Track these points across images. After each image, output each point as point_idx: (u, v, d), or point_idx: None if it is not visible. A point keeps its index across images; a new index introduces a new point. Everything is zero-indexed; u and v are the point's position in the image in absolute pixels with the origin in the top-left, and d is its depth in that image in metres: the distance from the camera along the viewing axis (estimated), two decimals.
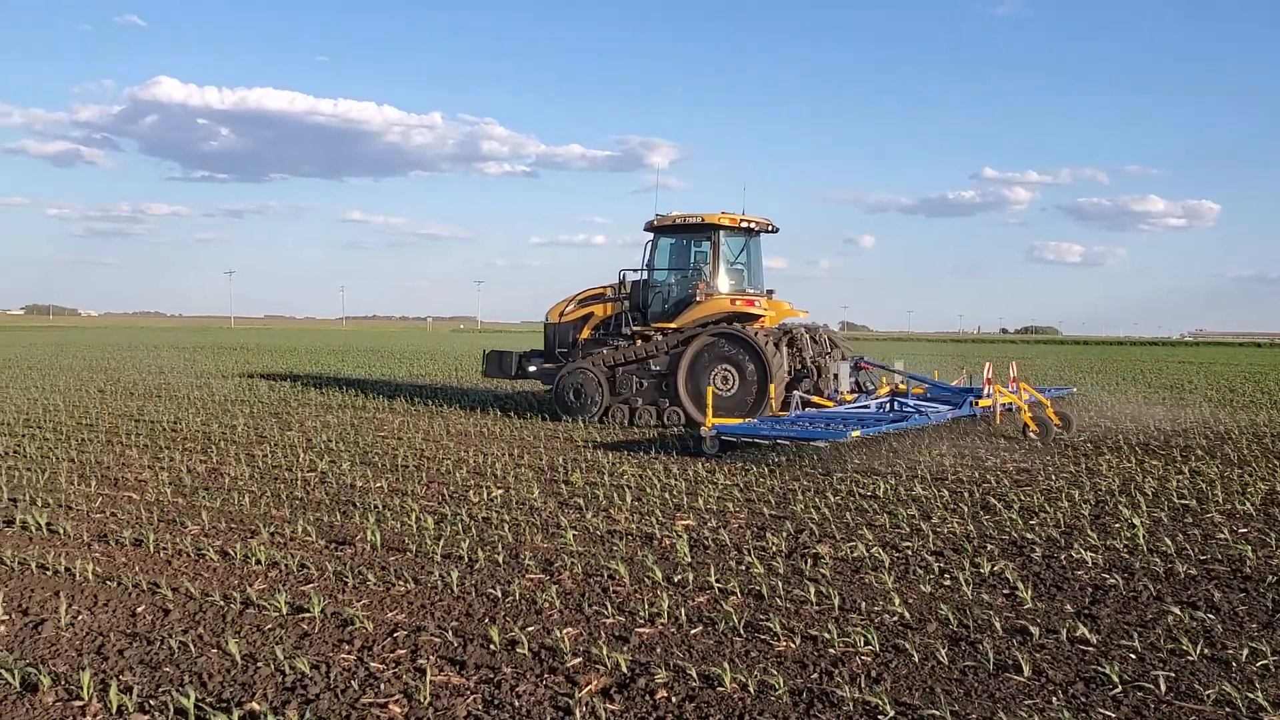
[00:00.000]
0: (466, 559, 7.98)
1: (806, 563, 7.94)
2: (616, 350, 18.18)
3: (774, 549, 8.38)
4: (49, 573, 7.51)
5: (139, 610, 6.58)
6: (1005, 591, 7.20)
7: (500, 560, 7.94)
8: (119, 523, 9.22)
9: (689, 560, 7.98)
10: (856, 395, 17.21)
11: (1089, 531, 9.09)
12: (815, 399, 16.65)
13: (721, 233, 18.10)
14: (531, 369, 19.62)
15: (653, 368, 17.76)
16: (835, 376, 17.13)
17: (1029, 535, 8.96)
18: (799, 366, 17.53)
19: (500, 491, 10.87)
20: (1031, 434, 15.52)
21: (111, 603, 6.76)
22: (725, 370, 17.04)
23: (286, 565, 7.70)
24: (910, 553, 8.32)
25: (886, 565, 7.84)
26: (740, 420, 15.20)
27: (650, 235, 18.71)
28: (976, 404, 15.92)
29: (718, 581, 7.29)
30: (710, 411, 14.60)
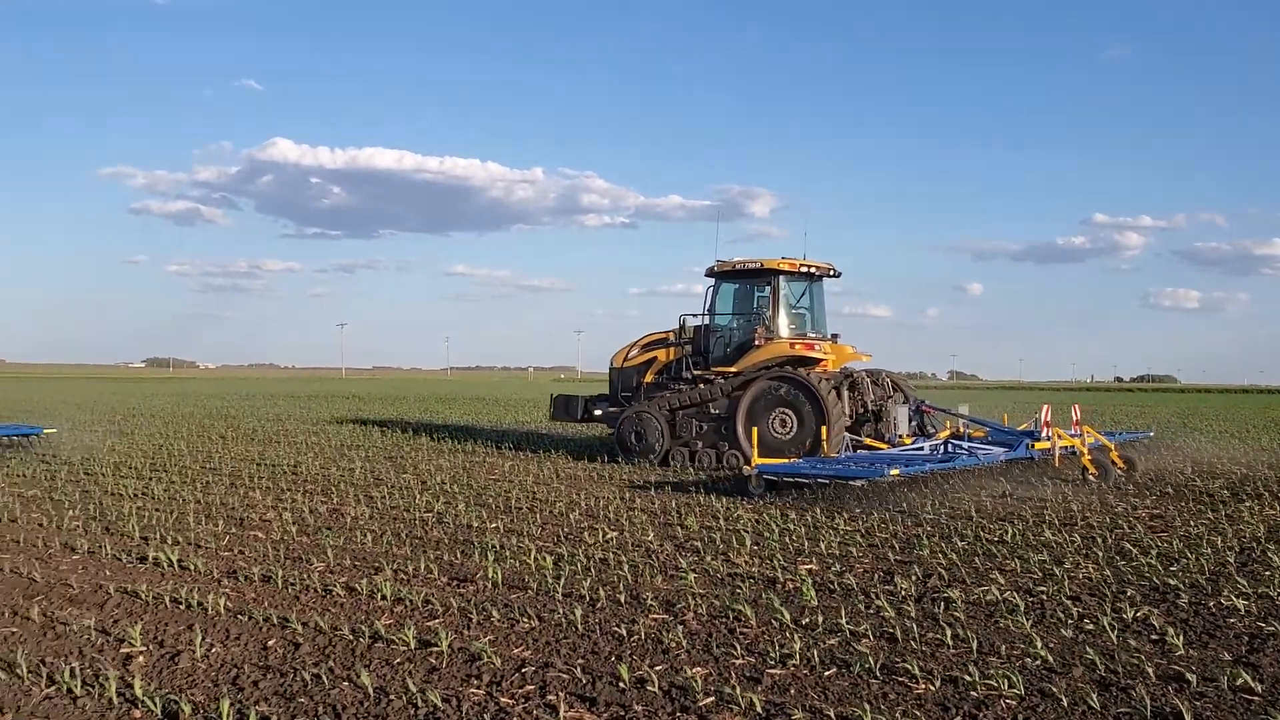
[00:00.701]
0: (588, 598, 7.91)
1: (939, 606, 7.68)
2: (677, 394, 18.37)
3: (903, 593, 8.13)
4: (182, 606, 7.66)
5: (270, 643, 6.65)
6: (1153, 638, 6.84)
7: (622, 600, 7.85)
8: (247, 560, 9.39)
9: (816, 603, 7.78)
10: (916, 438, 16.96)
11: (1237, 578, 8.63)
12: (868, 441, 16.63)
13: (781, 278, 18.17)
14: (597, 413, 19.92)
15: (712, 411, 17.91)
16: (895, 420, 17.05)
17: (1171, 581, 8.54)
18: (860, 410, 17.50)
19: (615, 534, 10.80)
20: (1091, 476, 15.18)
21: (243, 636, 6.85)
22: (783, 414, 17.06)
23: (411, 601, 7.73)
24: (1046, 597, 7.99)
25: (1022, 610, 7.53)
26: (783, 460, 15.10)
27: (711, 280, 18.88)
28: (1033, 446, 15.67)
29: (848, 624, 7.08)
30: (755, 452, 14.69)
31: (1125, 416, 39.22)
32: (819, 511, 12.38)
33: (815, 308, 19.01)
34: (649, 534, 10.78)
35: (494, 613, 7.34)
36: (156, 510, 12.29)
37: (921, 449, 15.81)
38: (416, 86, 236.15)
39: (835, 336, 18.96)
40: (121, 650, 6.52)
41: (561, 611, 7.40)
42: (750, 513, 12.28)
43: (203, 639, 6.69)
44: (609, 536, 10.62)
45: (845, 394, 17.21)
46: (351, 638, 6.75)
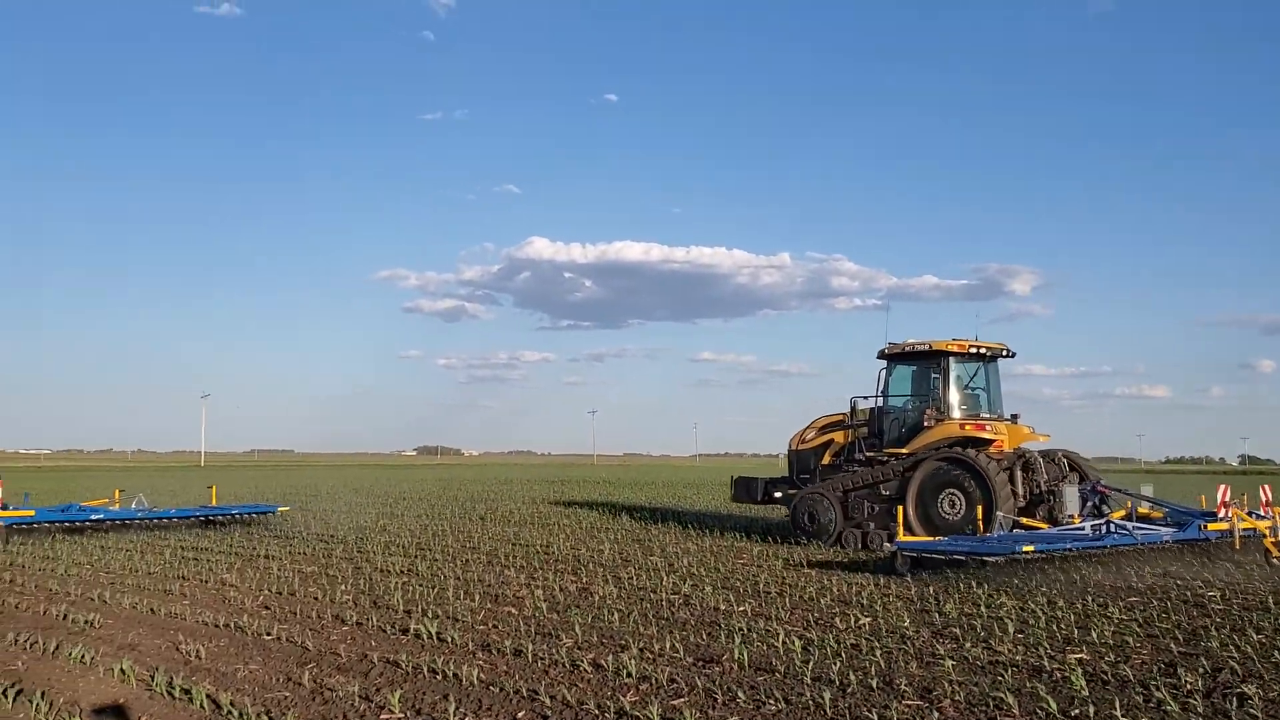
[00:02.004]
0: (838, 682, 7.60)
1: (1230, 702, 6.91)
2: (850, 475, 18.46)
3: (1188, 686, 7.37)
4: (439, 677, 7.89)
5: (520, 715, 6.73)
6: None
7: (874, 685, 7.50)
8: (500, 634, 9.61)
9: (1087, 694, 7.17)
10: (1086, 518, 16.23)
11: None
12: (1025, 521, 16.37)
13: (952, 359, 18.21)
14: (777, 495, 20.23)
15: (883, 492, 17.89)
16: (1064, 500, 16.73)
17: None
18: (1035, 491, 17.21)
19: (868, 619, 10.39)
20: (1275, 560, 14.51)
21: (495, 707, 6.96)
22: (952, 495, 16.97)
23: (656, 679, 7.65)
24: None
25: None
26: (926, 538, 15.37)
27: (884, 363, 19.01)
28: (1206, 527, 15.04)
29: (1124, 716, 6.47)
30: (901, 530, 15.18)
31: None
32: (1089, 600, 11.51)
33: (991, 388, 18.89)
34: (904, 619, 10.31)
35: (740, 694, 7.17)
36: (419, 586, 12.83)
37: (1082, 528, 15.29)
38: (664, 183, 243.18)
39: (1014, 417, 18.78)
40: (382, 716, 6.76)
41: (809, 695, 7.14)
42: (1014, 599, 11.56)
43: (457, 708, 6.85)
44: (861, 622, 10.23)
45: (1018, 475, 17.04)
46: (597, 712, 6.74)
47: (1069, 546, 13.73)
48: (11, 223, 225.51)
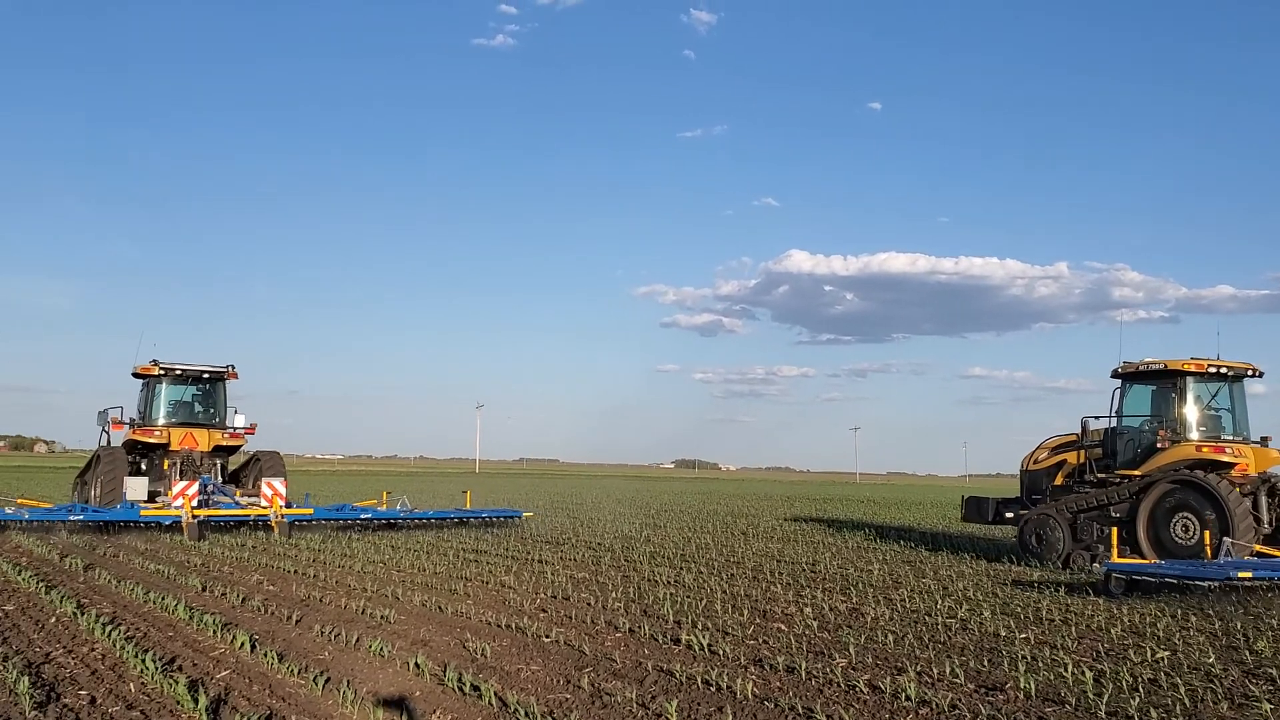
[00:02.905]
0: (1137, 718, 7.07)
1: None
2: (1080, 496, 18.15)
3: None
4: (713, 689, 7.92)
5: None
6: None
7: None
8: (771, 649, 9.54)
9: None
10: None
11: None
12: (1257, 548, 15.58)
13: (1189, 378, 17.71)
14: (1008, 515, 20.12)
15: (1113, 514, 17.51)
16: None
17: None
18: (1276, 518, 16.56)
19: (1166, 653, 9.64)
20: None
21: None
22: (1185, 519, 16.47)
23: (937, 704, 7.38)
24: None
25: None
26: (1139, 560, 15.26)
27: (1119, 382, 18.67)
28: None
29: None
30: (1115, 552, 15.27)
31: None
32: None
33: (1236, 409, 18.11)
34: (1209, 655, 9.50)
35: None
36: (686, 597, 12.95)
37: None
38: (931, 192, 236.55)
39: (1265, 440, 17.91)
40: None
41: None
42: None
43: None
44: (1159, 655, 9.50)
45: (1263, 500, 16.45)
46: None
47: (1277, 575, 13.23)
48: (336, 254, 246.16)
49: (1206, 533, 15.65)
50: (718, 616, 11.45)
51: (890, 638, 10.23)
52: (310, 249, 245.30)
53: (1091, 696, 7.68)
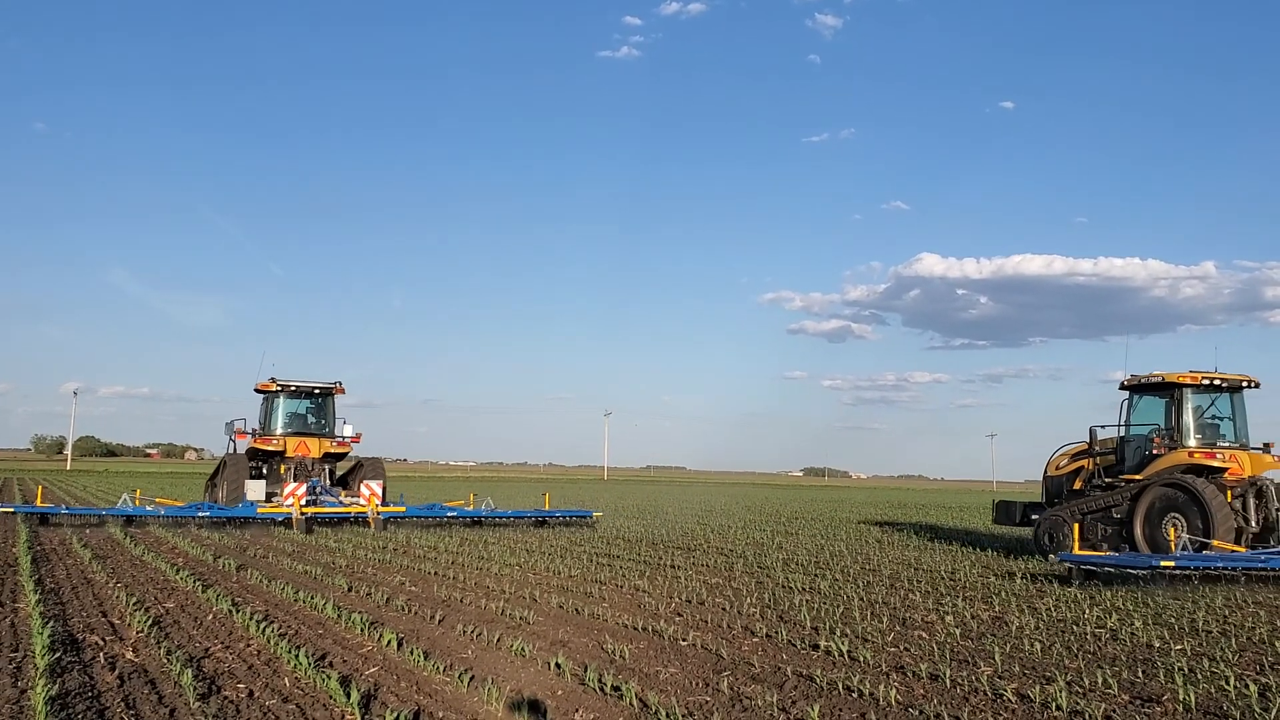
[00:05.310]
0: None
1: None
2: (1088, 499, 19.92)
3: None
4: (854, 695, 7.81)
5: None
6: None
7: None
8: (912, 657, 9.37)
9: None
10: None
11: None
12: (1216, 543, 16.77)
13: (1187, 390, 19.09)
14: (1033, 517, 21.45)
15: (1115, 515, 19.16)
16: None
17: None
18: (1267, 519, 17.97)
19: None
20: None
21: None
22: (1174, 519, 17.90)
23: (1090, 715, 7.14)
24: None
25: None
26: (1089, 553, 16.95)
27: (1126, 394, 20.19)
28: None
29: None
30: (1076, 544, 17.59)
31: None
32: None
33: (1236, 418, 19.46)
34: None
35: None
36: (823, 604, 12.81)
37: (1276, 551, 16.09)
38: (1067, 192, 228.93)
39: (1267, 446, 19.32)
40: None
41: None
42: None
43: None
44: None
45: (1250, 502, 17.98)
46: None
47: (1220, 565, 14.83)
48: (474, 266, 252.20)
49: (1177, 530, 17.34)
50: (856, 623, 11.29)
51: (1037, 646, 9.93)
52: (442, 263, 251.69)
53: (1258, 711, 7.32)
